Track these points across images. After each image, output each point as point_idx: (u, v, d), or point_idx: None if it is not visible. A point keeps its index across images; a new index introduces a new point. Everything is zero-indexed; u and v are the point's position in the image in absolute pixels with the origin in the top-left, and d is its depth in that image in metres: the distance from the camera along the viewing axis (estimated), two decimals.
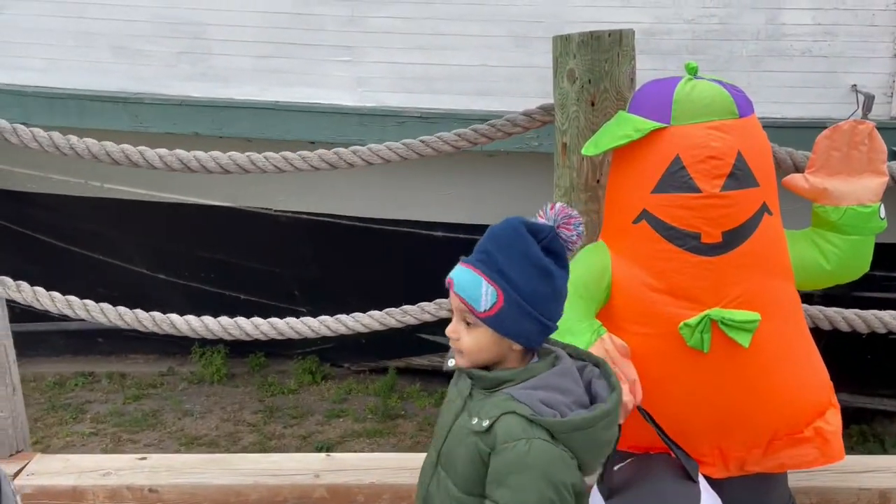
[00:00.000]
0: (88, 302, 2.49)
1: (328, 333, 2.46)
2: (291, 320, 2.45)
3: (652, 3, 4.07)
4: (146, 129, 4.50)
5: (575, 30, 2.27)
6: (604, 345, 1.80)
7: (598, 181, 2.21)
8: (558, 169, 2.27)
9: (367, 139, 4.55)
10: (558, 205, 1.50)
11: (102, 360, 6.81)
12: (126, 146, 2.37)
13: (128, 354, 6.90)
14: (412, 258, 5.31)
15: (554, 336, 1.65)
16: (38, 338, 6.60)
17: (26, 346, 6.77)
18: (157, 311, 6.44)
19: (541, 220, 1.48)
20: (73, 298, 2.48)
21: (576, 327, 1.81)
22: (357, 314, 2.46)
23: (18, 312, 6.79)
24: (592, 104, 2.18)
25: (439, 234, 5.13)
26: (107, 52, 4.53)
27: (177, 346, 6.82)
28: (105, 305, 2.49)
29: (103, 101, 4.48)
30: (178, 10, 4.45)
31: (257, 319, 2.46)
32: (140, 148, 2.36)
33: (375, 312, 2.45)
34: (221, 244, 5.75)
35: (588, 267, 1.90)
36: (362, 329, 2.45)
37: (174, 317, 2.51)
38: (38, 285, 6.75)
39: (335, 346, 6.48)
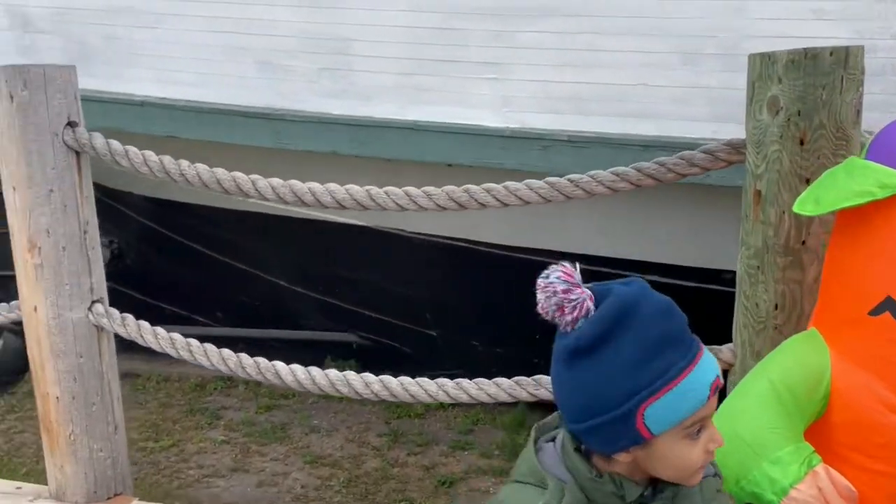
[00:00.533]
0: (192, 341, 2.22)
1: (446, 400, 2.05)
2: (406, 381, 2.05)
3: (853, 13, 3.36)
4: (286, 146, 4.31)
5: (755, 46, 1.74)
6: (818, 481, 1.25)
7: (803, 243, 1.64)
8: (747, 222, 1.73)
9: (509, 163, 4.16)
10: (567, 264, 1.08)
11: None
12: (238, 174, 2.07)
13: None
14: None
15: (747, 459, 1.19)
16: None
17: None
18: (293, 321, 6.32)
19: (574, 288, 1.04)
20: (176, 336, 2.22)
21: (777, 453, 1.28)
22: (482, 381, 2.02)
23: (169, 314, 6.94)
24: (802, 143, 1.62)
25: (581, 267, 4.61)
26: (253, 67, 4.38)
27: (311, 356, 6.72)
28: (209, 347, 2.21)
29: (247, 117, 4.34)
30: (323, 25, 4.23)
31: (369, 377, 2.08)
32: (252, 177, 2.05)
33: (503, 381, 2.00)
34: (356, 262, 5.53)
35: (798, 366, 1.35)
36: (486, 399, 2.01)
37: (279, 365, 2.18)
38: (189, 290, 6.82)
39: (463, 374, 6.10)
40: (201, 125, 4.52)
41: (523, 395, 1.97)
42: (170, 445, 5.50)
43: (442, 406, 6.15)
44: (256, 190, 2.06)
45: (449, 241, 4.96)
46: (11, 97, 2.13)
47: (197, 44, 4.49)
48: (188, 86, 4.51)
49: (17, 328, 6.42)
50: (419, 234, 5.05)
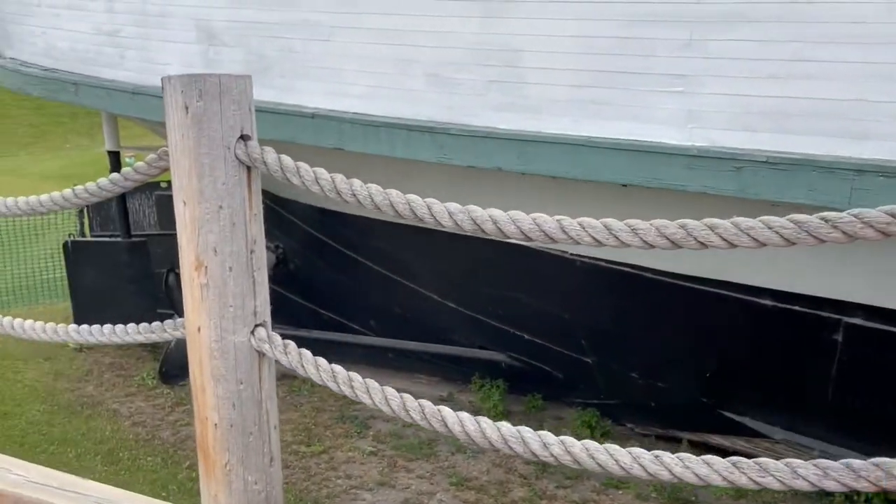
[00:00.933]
0: (354, 377, 1.99)
1: (641, 475, 1.66)
2: (592, 447, 1.69)
3: None
4: (449, 160, 4.09)
5: None
6: None
7: None
8: None
9: (693, 185, 3.68)
10: None
11: (391, 375, 6.73)
12: (413, 197, 1.80)
13: (414, 373, 6.74)
14: (728, 328, 4.27)
15: None
16: (338, 347, 6.72)
17: (329, 353, 7.00)
18: (443, 336, 6.12)
19: None
20: (338, 370, 1.99)
21: None
22: (689, 457, 1.62)
23: (326, 319, 6.96)
24: None
25: (767, 302, 4.03)
26: (421, 80, 4.21)
27: (459, 372, 6.51)
28: (371, 384, 1.96)
29: (411, 131, 4.17)
30: (494, 35, 3.97)
31: (548, 437, 1.75)
32: (428, 201, 1.78)
33: (717, 461, 1.59)
34: (513, 282, 5.23)
35: None
36: (693, 480, 1.61)
37: (446, 412, 1.89)
38: (346, 297, 6.80)
39: (620, 404, 5.63)
40: (366, 138, 4.41)
41: (742, 481, 1.55)
42: (320, 452, 5.45)
43: (593, 436, 5.70)
44: (432, 215, 1.78)
45: (614, 266, 4.55)
46: (186, 108, 1.97)
47: (367, 56, 4.39)
48: (356, 98, 4.41)
49: None
50: (582, 256, 4.68)
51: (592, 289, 4.74)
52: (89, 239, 7.36)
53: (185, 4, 4.86)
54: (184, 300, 2.11)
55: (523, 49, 3.88)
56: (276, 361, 2.16)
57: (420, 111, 4.17)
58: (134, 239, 6.86)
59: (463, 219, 1.77)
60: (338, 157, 4.45)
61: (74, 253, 6.96)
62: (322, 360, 2.08)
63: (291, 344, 2.08)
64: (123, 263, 6.76)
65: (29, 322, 2.46)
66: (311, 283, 6.82)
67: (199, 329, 2.05)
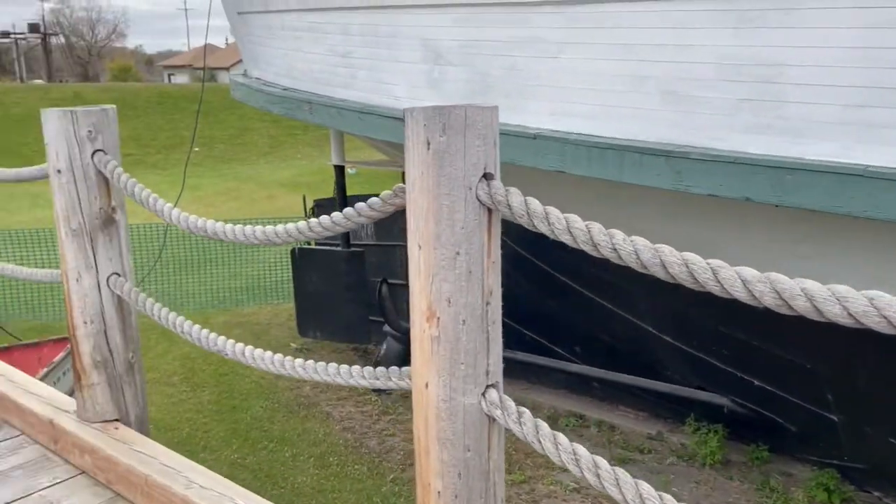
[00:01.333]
0: (601, 462, 1.65)
1: None
2: None
3: None
4: (687, 188, 3.60)
5: None
6: None
7: None
8: None
9: None
10: None
11: (594, 405, 6.30)
12: (692, 257, 1.43)
13: (618, 405, 6.25)
14: None
15: None
16: (541, 371, 6.41)
17: (531, 376, 6.73)
18: (654, 371, 5.54)
19: None
20: (581, 451, 1.66)
21: None
22: None
23: (529, 340, 6.67)
24: None
25: None
26: (656, 98, 3.76)
27: (670, 410, 5.91)
28: (622, 476, 1.61)
29: (643, 154, 3.73)
30: (747, 48, 3.42)
31: None
32: (713, 264, 1.40)
33: None
34: (746, 321, 4.58)
35: None
36: None
37: None
38: (552, 320, 6.43)
39: (869, 469, 4.73)
40: (591, 161, 4.04)
41: None
42: (521, 481, 5.18)
43: (829, 501, 4.85)
44: (717, 281, 1.39)
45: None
46: (428, 143, 1.73)
47: (596, 73, 4.02)
48: (582, 118, 4.06)
49: (397, 334, 6.74)
50: None
51: (849, 338, 3.98)
52: (314, 247, 7.73)
53: (413, 24, 4.82)
54: (412, 352, 1.90)
55: (784, 63, 3.29)
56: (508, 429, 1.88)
57: (653, 132, 3.73)
58: (352, 249, 7.07)
59: (762, 290, 1.35)
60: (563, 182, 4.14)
61: (300, 259, 7.33)
62: (562, 438, 1.76)
63: (526, 413, 1.78)
64: (342, 271, 6.99)
65: (258, 351, 2.42)
66: (516, 303, 6.56)
67: (426, 385, 1.82)
